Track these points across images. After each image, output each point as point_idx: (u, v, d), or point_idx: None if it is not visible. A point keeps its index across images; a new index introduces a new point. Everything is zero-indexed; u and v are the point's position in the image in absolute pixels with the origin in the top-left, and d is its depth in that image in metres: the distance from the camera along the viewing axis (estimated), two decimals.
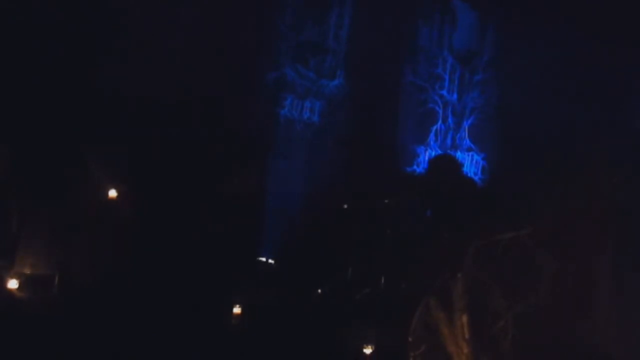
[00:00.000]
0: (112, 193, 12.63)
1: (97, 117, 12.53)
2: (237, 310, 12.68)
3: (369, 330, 12.30)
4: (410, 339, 11.46)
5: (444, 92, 17.07)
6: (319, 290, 13.66)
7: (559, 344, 11.38)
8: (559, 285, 11.59)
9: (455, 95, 17.13)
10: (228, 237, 13.42)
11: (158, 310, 11.43)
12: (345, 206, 14.79)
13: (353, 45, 16.20)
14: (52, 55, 12.39)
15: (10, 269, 11.63)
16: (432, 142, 16.78)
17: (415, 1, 16.92)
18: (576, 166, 12.24)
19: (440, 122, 16.95)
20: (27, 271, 11.86)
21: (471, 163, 16.90)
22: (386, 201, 13.75)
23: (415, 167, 16.55)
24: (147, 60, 13.19)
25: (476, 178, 16.67)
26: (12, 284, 11.43)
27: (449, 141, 16.96)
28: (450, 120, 17.02)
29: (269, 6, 15.46)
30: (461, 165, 16.13)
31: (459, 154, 16.70)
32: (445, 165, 13.89)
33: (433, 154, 16.66)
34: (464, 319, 11.32)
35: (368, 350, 12.15)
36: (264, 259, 14.66)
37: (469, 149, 16.95)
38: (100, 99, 12.63)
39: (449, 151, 16.66)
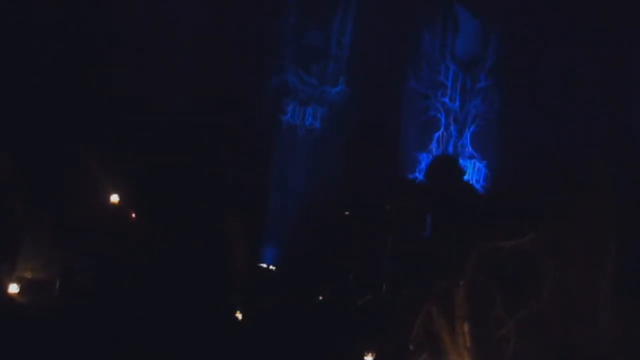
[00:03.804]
0: (114, 197, 12.61)
1: (99, 118, 12.54)
2: (238, 315, 12.66)
3: (370, 337, 12.26)
4: (411, 346, 11.44)
5: (446, 100, 17.04)
6: (321, 297, 13.63)
7: (560, 350, 11.35)
8: (561, 291, 11.55)
9: (457, 103, 17.10)
10: (230, 242, 13.40)
11: (159, 315, 11.41)
12: (347, 212, 14.76)
13: (355, 52, 16.23)
14: (52, 55, 12.41)
15: (12, 273, 11.62)
16: (434, 149, 16.75)
17: (418, 9, 16.92)
18: (578, 172, 12.23)
19: (442, 129, 16.92)
20: (28, 275, 11.86)
21: (473, 170, 16.86)
22: (387, 207, 13.70)
23: (417, 173, 16.53)
24: (148, 64, 13.21)
25: (478, 185, 16.63)
26: (13, 288, 11.42)
27: (451, 148, 16.91)
28: (452, 127, 16.99)
29: (272, 13, 15.48)
30: (462, 169, 16.03)
31: (460, 161, 16.64)
32: (446, 168, 13.80)
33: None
34: (466, 327, 11.29)
35: (369, 357, 12.11)
36: (265, 265, 14.65)
37: (471, 157, 16.91)
38: (101, 100, 12.63)
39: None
